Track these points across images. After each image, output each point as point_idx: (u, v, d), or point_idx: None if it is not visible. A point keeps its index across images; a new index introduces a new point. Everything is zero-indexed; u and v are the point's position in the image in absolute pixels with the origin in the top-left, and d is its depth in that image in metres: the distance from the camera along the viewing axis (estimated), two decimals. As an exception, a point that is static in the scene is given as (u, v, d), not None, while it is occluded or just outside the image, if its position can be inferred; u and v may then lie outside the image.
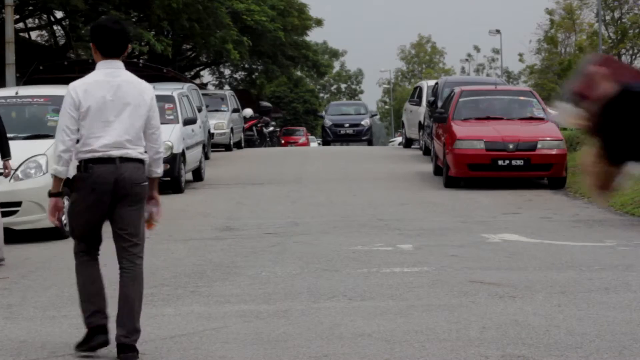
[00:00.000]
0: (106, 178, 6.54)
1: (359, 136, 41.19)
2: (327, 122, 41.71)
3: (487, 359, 6.40)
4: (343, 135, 41.37)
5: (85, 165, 6.56)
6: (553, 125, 18.99)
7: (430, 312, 7.79)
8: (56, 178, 6.66)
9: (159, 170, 6.84)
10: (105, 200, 6.63)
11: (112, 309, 6.86)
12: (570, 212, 14.82)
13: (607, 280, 9.11)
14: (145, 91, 6.72)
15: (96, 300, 6.88)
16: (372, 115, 45.11)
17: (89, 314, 6.81)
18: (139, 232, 6.94)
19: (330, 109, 45.28)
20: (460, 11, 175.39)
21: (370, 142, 41.58)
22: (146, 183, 6.72)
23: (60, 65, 35.64)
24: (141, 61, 40.26)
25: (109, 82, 6.67)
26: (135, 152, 6.63)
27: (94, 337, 6.75)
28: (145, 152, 6.72)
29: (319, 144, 67.88)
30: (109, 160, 6.54)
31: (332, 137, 41.22)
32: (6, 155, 11.83)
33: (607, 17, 56.81)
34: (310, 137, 66.20)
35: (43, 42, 44.80)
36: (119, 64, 6.73)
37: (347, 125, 41.13)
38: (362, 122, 41.58)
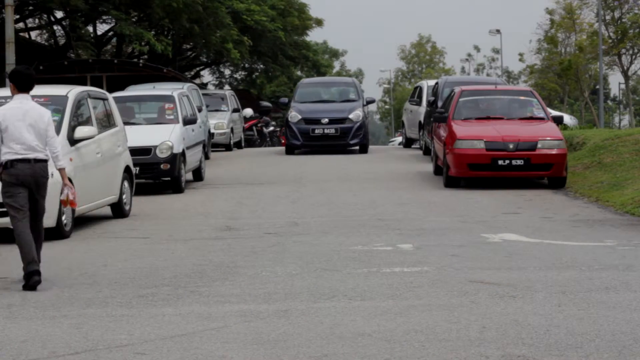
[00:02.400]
0: (25, 171, 9.59)
1: (345, 138, 26.39)
2: (294, 114, 26.65)
3: (487, 358, 6.41)
4: (319, 137, 26.38)
5: (11, 163, 9.59)
6: (553, 125, 18.99)
7: (430, 312, 7.79)
8: None
9: (58, 164, 9.90)
10: (26, 185, 9.66)
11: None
12: (570, 212, 14.82)
13: (607, 280, 9.11)
14: (44, 114, 9.81)
15: (30, 251, 9.44)
16: (368, 103, 28.65)
17: (27, 263, 9.34)
18: (44, 205, 10.06)
19: (300, 92, 28.25)
20: (460, 11, 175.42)
21: (363, 148, 27.20)
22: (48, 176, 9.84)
23: (60, 65, 35.63)
24: (141, 61, 40.29)
25: (20, 108, 9.71)
26: (42, 154, 9.71)
27: (31, 279, 9.25)
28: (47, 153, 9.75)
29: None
30: (27, 160, 9.60)
31: (300, 140, 26.48)
32: None
33: (607, 17, 56.79)
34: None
35: (43, 42, 44.81)
36: (27, 97, 9.82)
37: (325, 120, 26.31)
38: (351, 116, 26.40)
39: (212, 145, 28.20)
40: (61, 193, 10.16)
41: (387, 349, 6.66)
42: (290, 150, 26.73)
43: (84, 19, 39.25)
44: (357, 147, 26.93)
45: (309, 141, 26.12)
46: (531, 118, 19.55)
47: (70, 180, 13.22)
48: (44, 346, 6.96)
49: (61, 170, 10.02)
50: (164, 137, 18.79)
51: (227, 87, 56.41)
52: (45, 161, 9.76)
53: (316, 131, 26.10)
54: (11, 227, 12.63)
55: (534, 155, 17.92)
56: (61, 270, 10.30)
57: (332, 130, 26.06)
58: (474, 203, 15.95)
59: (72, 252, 11.63)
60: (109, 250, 11.71)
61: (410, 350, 6.64)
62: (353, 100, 27.37)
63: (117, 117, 15.63)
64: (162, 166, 18.51)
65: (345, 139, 26.22)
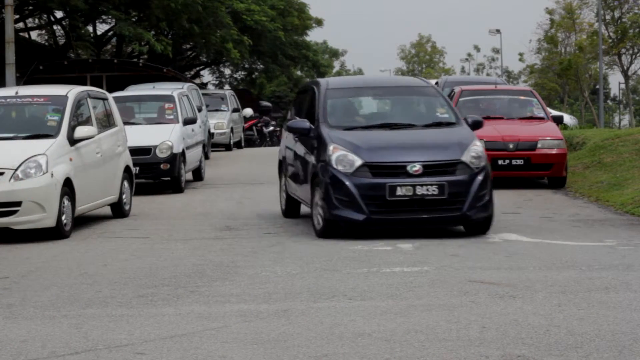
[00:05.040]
0: None
1: (457, 205, 12.18)
2: (341, 156, 12.32)
3: (487, 358, 6.41)
4: (406, 202, 12.08)
5: None
6: (553, 124, 18.99)
7: (430, 312, 7.79)
8: None
9: None
10: None
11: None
12: (570, 212, 14.82)
13: (607, 279, 9.11)
14: None
15: None
16: (475, 125, 13.40)
17: None
18: None
19: (333, 105, 13.33)
20: (460, 11, 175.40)
21: (486, 224, 12.61)
22: None
23: (60, 65, 35.65)
24: (141, 61, 40.29)
25: None
26: None
27: None
28: None
29: None
30: None
31: (366, 211, 12.04)
32: None
33: (607, 17, 56.81)
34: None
35: (43, 42, 44.80)
36: None
37: (414, 167, 12.08)
38: (466, 157, 12.33)
39: (212, 145, 28.22)
40: None
41: (387, 349, 6.66)
42: (333, 231, 12.39)
43: (83, 18, 39.26)
44: (475, 220, 12.50)
45: (387, 213, 12.10)
46: (531, 118, 19.55)
47: (70, 180, 13.29)
48: (43, 346, 6.96)
49: None
50: (164, 137, 18.79)
51: (227, 87, 56.41)
52: None
53: (400, 190, 12.03)
54: (11, 227, 12.70)
55: (533, 155, 17.93)
56: (61, 270, 10.30)
57: (433, 189, 12.05)
58: (474, 203, 15.93)
59: (72, 252, 11.63)
60: (109, 250, 11.71)
61: (410, 350, 6.64)
62: (450, 124, 13.27)
63: (117, 117, 15.63)
64: (162, 166, 18.51)
65: (459, 206, 12.18)
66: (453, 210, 12.12)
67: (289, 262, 10.44)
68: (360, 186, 12.02)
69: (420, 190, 11.97)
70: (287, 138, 14.51)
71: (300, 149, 13.54)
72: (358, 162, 12.10)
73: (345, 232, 12.33)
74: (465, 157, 12.24)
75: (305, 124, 13.21)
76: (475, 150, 12.34)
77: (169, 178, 18.82)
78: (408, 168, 12.03)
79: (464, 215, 12.14)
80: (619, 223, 13.57)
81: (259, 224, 13.82)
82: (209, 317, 7.77)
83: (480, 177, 12.24)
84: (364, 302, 8.28)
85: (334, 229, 12.31)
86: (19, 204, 12.51)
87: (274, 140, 44.66)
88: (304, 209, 14.08)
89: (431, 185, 11.98)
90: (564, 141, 18.34)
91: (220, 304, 8.28)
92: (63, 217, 12.87)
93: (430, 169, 12.06)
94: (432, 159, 12.16)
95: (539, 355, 6.44)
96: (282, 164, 15.01)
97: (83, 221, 14.37)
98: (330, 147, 12.34)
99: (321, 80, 14.06)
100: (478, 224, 12.42)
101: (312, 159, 12.83)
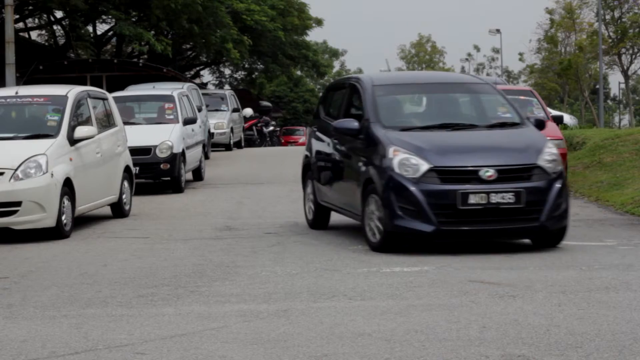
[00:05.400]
0: None
1: (534, 214, 10.93)
2: (403, 159, 10.93)
3: (487, 358, 6.40)
4: (480, 211, 10.78)
5: None
6: (553, 124, 18.97)
7: (430, 312, 7.79)
8: None
9: None
10: None
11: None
12: (570, 212, 14.79)
13: (607, 279, 9.11)
14: None
15: None
16: (538, 125, 12.06)
17: None
18: None
19: (383, 102, 12.04)
20: (460, 11, 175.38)
21: (560, 236, 11.37)
22: None
23: (60, 65, 35.63)
24: (141, 61, 40.28)
25: None
26: None
27: None
28: None
29: None
30: None
31: (434, 222, 10.71)
32: None
33: (607, 17, 56.78)
34: (310, 136, 66.10)
35: (43, 42, 44.79)
36: None
37: (487, 173, 10.77)
38: (542, 162, 11.07)
39: (212, 145, 28.22)
40: None
41: (387, 349, 6.66)
42: (393, 244, 11.10)
43: (83, 18, 39.24)
44: (552, 232, 11.29)
45: (458, 224, 10.82)
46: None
47: (70, 180, 13.29)
48: (43, 346, 6.96)
49: None
50: (163, 137, 18.80)
51: (227, 87, 56.42)
52: None
53: (473, 198, 10.77)
54: (11, 227, 12.69)
55: (534, 155, 17.85)
56: (61, 270, 10.30)
57: (509, 197, 10.81)
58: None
59: (72, 252, 11.63)
60: (109, 250, 11.71)
61: (410, 350, 6.63)
62: (515, 124, 12.04)
63: (117, 117, 15.63)
64: (162, 166, 18.52)
65: (537, 216, 10.94)
66: (530, 220, 10.79)
67: (289, 262, 10.44)
68: (428, 193, 10.60)
69: (494, 198, 10.62)
70: (318, 140, 13.21)
71: (342, 152, 12.24)
72: (424, 166, 10.70)
73: (410, 245, 11.07)
74: (541, 161, 10.96)
75: (354, 123, 11.76)
76: (550, 154, 11.09)
77: (169, 178, 18.83)
78: (481, 173, 10.66)
79: (541, 226, 10.82)
80: (619, 223, 13.56)
81: (259, 224, 13.82)
82: (209, 317, 7.77)
83: (557, 184, 10.94)
84: (364, 302, 8.28)
85: (395, 241, 10.96)
86: (19, 204, 12.51)
87: (273, 140, 44.69)
88: (335, 218, 13.29)
89: (507, 192, 10.64)
90: (564, 141, 18.32)
91: (220, 304, 8.28)
92: (63, 217, 12.87)
93: (504, 175, 10.73)
94: (506, 163, 10.81)
95: (539, 355, 6.44)
96: (308, 169, 13.53)
97: (83, 221, 14.37)
98: (390, 150, 10.94)
99: (362, 76, 12.76)
100: (553, 236, 11.20)
101: (361, 163, 11.45)
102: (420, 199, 10.61)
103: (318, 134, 13.26)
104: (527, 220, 10.81)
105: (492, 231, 10.86)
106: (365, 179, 11.23)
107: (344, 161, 12.14)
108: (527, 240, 11.59)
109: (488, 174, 10.68)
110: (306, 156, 13.59)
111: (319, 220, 13.21)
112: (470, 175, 10.70)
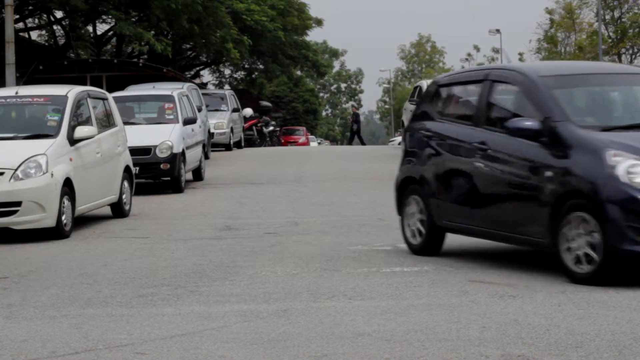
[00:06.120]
0: None
1: None
2: (621, 162, 8.65)
3: (487, 358, 6.40)
4: None
5: None
6: None
7: (430, 312, 7.79)
8: None
9: None
10: None
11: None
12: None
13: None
14: None
15: None
16: None
17: None
18: None
19: (569, 94, 10.03)
20: (460, 11, 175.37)
21: None
22: None
23: (60, 65, 35.66)
24: (141, 61, 40.30)
25: None
26: None
27: None
28: None
29: (319, 143, 66.92)
30: None
31: None
32: None
33: (607, 17, 56.80)
34: (310, 136, 66.20)
35: (43, 42, 44.79)
36: None
37: None
38: None
39: (212, 145, 28.23)
40: None
41: (387, 349, 6.66)
42: (614, 275, 8.83)
43: (83, 18, 39.26)
44: None
45: None
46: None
47: (70, 180, 13.29)
48: (44, 346, 6.96)
49: None
50: (163, 137, 18.80)
51: (227, 87, 56.43)
52: None
53: None
54: (11, 227, 12.70)
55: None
56: (61, 270, 10.30)
57: None
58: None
59: (72, 252, 11.63)
60: (109, 250, 11.71)
61: (410, 350, 6.63)
62: None
63: (117, 117, 15.64)
64: (162, 166, 18.52)
65: None
66: None
67: (289, 262, 10.44)
68: None
69: None
70: (437, 147, 10.70)
71: (497, 161, 9.74)
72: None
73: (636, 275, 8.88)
74: None
75: (535, 123, 9.28)
76: None
77: (169, 178, 18.83)
78: None
79: None
80: None
81: (259, 224, 13.82)
82: (209, 317, 7.77)
83: None
84: (364, 302, 8.28)
85: (619, 270, 8.71)
86: (19, 204, 12.51)
87: (273, 140, 44.71)
88: (450, 242, 11.02)
89: None
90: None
91: (220, 304, 8.28)
92: (63, 217, 12.87)
93: None
94: None
95: (539, 355, 6.43)
96: (410, 182, 10.99)
97: (83, 221, 14.37)
98: (609, 153, 8.67)
99: (517, 66, 10.68)
100: None
101: (550, 172, 9.06)
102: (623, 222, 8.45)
103: (433, 141, 10.75)
104: None
105: None
106: (561, 193, 8.92)
107: (506, 172, 9.65)
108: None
109: None
110: (407, 169, 11.09)
111: (430, 245, 10.76)
112: None
